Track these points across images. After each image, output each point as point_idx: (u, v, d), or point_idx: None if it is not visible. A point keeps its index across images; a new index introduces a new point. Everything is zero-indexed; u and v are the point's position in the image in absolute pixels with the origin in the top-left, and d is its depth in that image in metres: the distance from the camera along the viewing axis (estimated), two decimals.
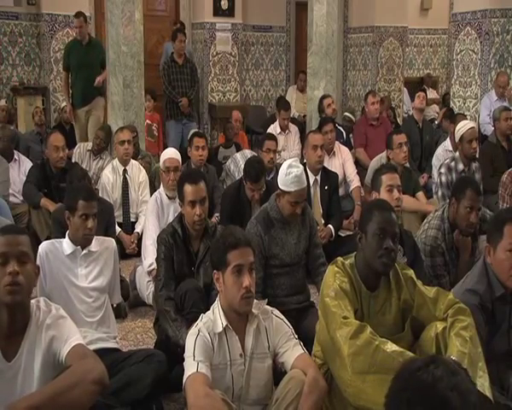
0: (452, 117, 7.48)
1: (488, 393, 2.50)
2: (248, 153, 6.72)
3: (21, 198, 6.03)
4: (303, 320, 3.61)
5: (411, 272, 2.84)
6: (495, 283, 2.90)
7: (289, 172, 3.65)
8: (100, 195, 5.66)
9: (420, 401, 1.44)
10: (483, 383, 2.51)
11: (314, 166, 5.39)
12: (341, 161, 6.42)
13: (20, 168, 6.35)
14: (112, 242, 3.52)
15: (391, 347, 2.48)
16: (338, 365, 2.54)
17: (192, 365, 2.46)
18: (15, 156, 6.44)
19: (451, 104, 8.78)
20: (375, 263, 2.67)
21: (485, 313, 2.86)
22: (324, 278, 2.74)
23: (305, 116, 8.98)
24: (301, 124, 8.76)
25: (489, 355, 2.66)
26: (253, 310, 2.62)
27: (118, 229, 5.45)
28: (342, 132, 7.66)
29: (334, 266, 2.75)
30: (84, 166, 6.40)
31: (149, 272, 4.48)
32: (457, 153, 5.58)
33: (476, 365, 2.53)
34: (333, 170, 5.76)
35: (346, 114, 8.56)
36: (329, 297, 2.63)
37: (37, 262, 3.27)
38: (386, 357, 2.44)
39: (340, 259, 2.79)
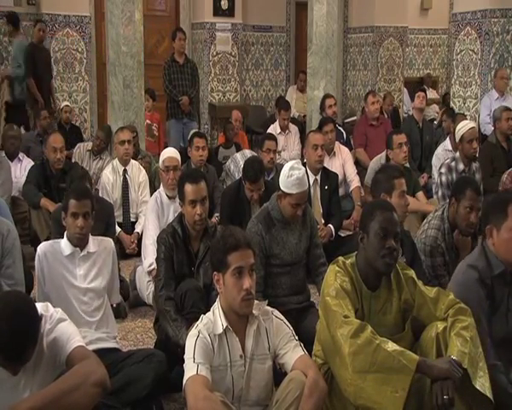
0: (453, 116, 7.47)
1: (488, 393, 2.50)
2: (248, 153, 6.72)
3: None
4: (303, 320, 3.61)
5: (412, 272, 2.85)
6: (494, 260, 2.93)
7: (291, 175, 3.65)
8: (100, 195, 5.67)
9: None
10: (483, 384, 2.51)
11: (314, 165, 5.39)
12: (341, 162, 6.41)
13: (22, 166, 6.38)
14: (110, 242, 3.51)
15: (392, 346, 2.49)
16: (338, 364, 2.54)
17: (192, 367, 2.46)
18: (19, 156, 6.48)
19: (451, 104, 8.78)
20: (378, 263, 2.68)
21: (485, 288, 2.88)
22: (325, 278, 2.74)
23: (305, 116, 8.98)
24: (301, 124, 8.76)
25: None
26: (254, 311, 2.61)
27: (118, 229, 5.45)
28: (342, 133, 7.65)
29: (335, 265, 2.76)
30: (83, 167, 6.40)
31: (149, 272, 4.48)
32: (458, 153, 5.58)
33: (477, 365, 2.54)
34: (333, 170, 5.75)
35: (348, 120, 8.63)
36: (330, 296, 2.63)
37: (36, 263, 3.30)
38: (386, 356, 2.45)
39: (341, 258, 2.80)
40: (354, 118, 8.95)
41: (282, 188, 3.69)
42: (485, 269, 2.92)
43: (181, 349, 2.69)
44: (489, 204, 3.12)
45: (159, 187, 5.21)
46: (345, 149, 6.61)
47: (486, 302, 2.85)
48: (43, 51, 8.66)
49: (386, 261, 2.67)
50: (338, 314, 2.56)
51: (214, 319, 2.61)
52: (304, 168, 3.82)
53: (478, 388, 2.49)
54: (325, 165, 5.64)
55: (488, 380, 2.53)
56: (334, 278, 2.68)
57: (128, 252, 5.62)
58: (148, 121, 7.82)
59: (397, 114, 9.45)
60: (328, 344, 2.62)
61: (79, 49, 9.45)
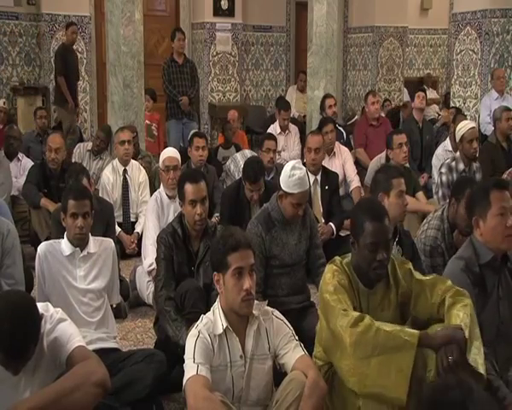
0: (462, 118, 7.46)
1: (482, 370, 2.50)
2: (248, 153, 6.72)
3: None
4: (303, 320, 3.61)
5: (409, 265, 2.87)
6: (481, 249, 2.96)
7: (292, 174, 3.65)
8: (100, 195, 5.67)
9: None
10: (477, 360, 2.51)
11: (308, 167, 5.33)
12: (341, 162, 6.42)
13: (22, 165, 6.41)
14: (110, 242, 3.51)
15: (391, 326, 2.51)
16: (339, 357, 2.54)
17: (192, 367, 2.45)
18: (19, 156, 6.49)
19: (451, 104, 8.78)
20: (369, 273, 2.70)
21: (473, 276, 2.90)
22: (323, 277, 2.74)
23: (305, 116, 8.98)
24: (301, 124, 8.76)
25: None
26: (254, 311, 2.61)
27: (118, 229, 5.45)
28: (342, 133, 7.65)
29: (332, 264, 2.77)
30: None
31: (149, 272, 4.48)
32: (458, 153, 5.59)
33: (472, 341, 2.54)
34: (333, 170, 5.74)
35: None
36: (329, 292, 2.64)
37: (36, 263, 3.30)
38: (387, 336, 2.45)
39: (337, 258, 2.81)
40: (356, 118, 8.95)
41: (283, 188, 3.69)
42: (472, 258, 2.96)
43: (181, 349, 2.69)
44: (472, 196, 3.16)
45: (159, 187, 5.22)
46: (345, 149, 6.61)
47: (474, 290, 2.86)
48: (73, 53, 8.73)
49: (378, 273, 2.69)
50: (337, 309, 2.57)
51: (214, 319, 2.61)
52: (305, 168, 3.82)
53: (470, 362, 2.49)
54: (326, 165, 5.64)
55: (483, 358, 2.53)
56: (332, 276, 2.69)
57: (128, 252, 5.62)
58: (147, 122, 7.81)
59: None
60: (329, 342, 2.62)
61: (79, 49, 9.45)
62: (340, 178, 5.94)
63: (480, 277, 2.92)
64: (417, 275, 2.81)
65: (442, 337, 2.47)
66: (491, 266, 2.96)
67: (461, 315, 2.56)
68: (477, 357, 2.51)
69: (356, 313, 2.54)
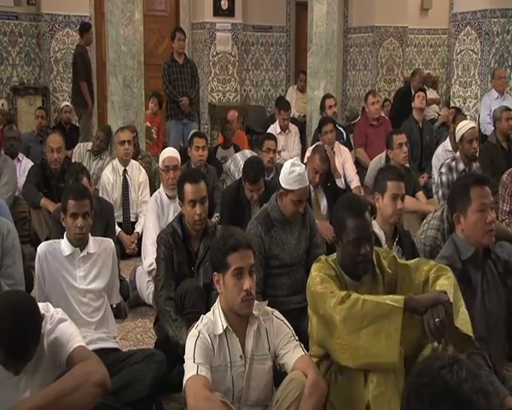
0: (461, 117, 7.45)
1: (470, 332, 2.53)
2: (248, 153, 6.72)
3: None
4: (303, 320, 3.60)
5: (393, 253, 2.91)
6: (463, 246, 2.98)
7: (292, 171, 3.66)
8: (100, 195, 5.67)
9: (444, 400, 1.45)
10: (463, 325, 2.54)
11: (309, 180, 4.97)
12: (341, 161, 6.42)
13: (22, 166, 6.41)
14: (110, 242, 3.51)
15: (376, 297, 2.55)
16: (331, 339, 2.56)
17: (192, 367, 2.46)
18: (19, 156, 6.50)
19: (451, 104, 8.79)
20: (355, 267, 2.73)
21: (456, 273, 2.89)
22: (310, 275, 2.77)
23: (305, 116, 8.98)
24: (301, 124, 8.77)
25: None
26: (254, 311, 2.62)
27: (118, 229, 5.45)
28: (342, 133, 7.65)
29: (318, 263, 2.80)
30: None
31: (149, 272, 4.49)
32: (458, 153, 5.59)
33: (458, 307, 2.57)
34: None
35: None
36: (316, 285, 2.66)
37: (36, 263, 3.30)
38: (374, 306, 2.49)
39: (323, 257, 2.85)
40: (359, 118, 8.96)
41: (283, 185, 3.69)
42: (454, 256, 2.98)
43: (181, 349, 2.69)
44: (452, 193, 3.17)
45: (159, 187, 5.22)
46: (345, 149, 6.61)
47: (460, 286, 2.87)
48: (88, 55, 8.74)
49: (363, 266, 2.72)
50: (325, 294, 2.60)
51: (214, 319, 2.61)
52: (304, 165, 3.81)
53: (459, 326, 2.52)
54: None
55: (470, 324, 2.57)
56: (319, 271, 2.72)
57: (128, 252, 5.62)
58: (147, 124, 7.81)
59: None
60: (322, 332, 2.64)
61: None
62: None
63: (463, 273, 2.95)
64: (401, 261, 2.87)
65: (428, 300, 2.51)
66: (473, 261, 2.99)
67: (444, 284, 2.61)
68: (464, 322, 2.55)
69: (343, 292, 2.57)
